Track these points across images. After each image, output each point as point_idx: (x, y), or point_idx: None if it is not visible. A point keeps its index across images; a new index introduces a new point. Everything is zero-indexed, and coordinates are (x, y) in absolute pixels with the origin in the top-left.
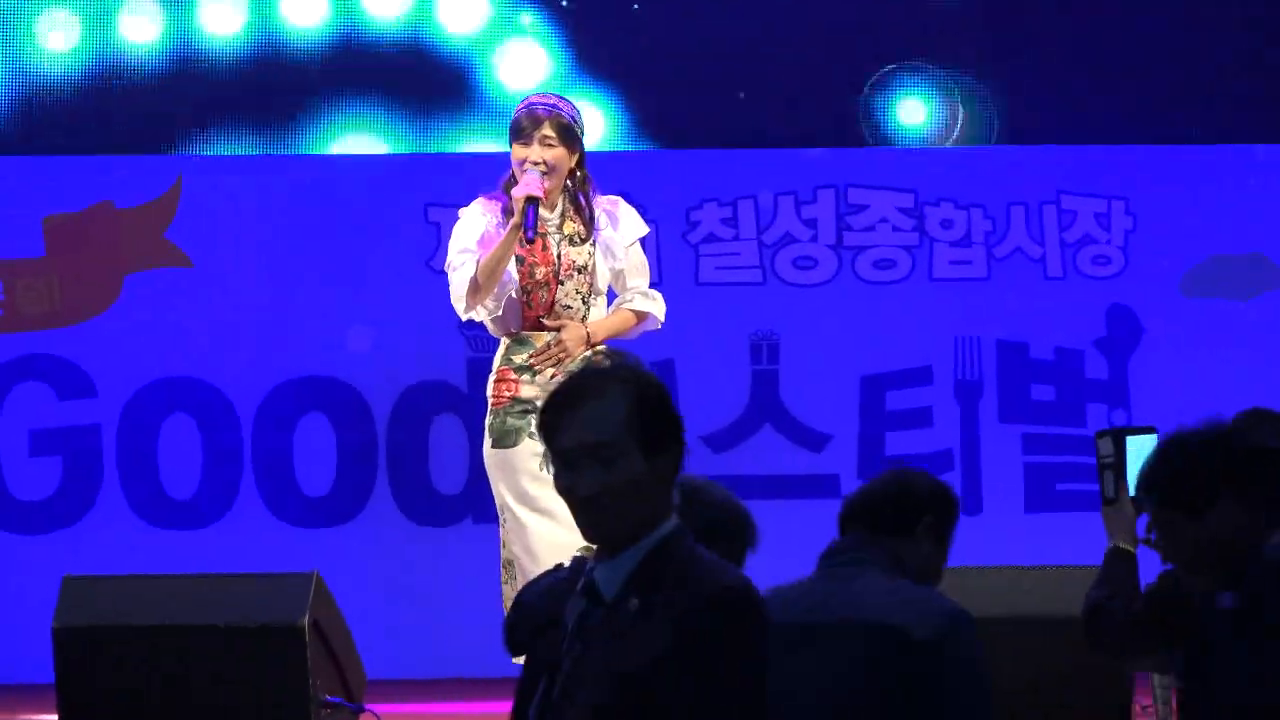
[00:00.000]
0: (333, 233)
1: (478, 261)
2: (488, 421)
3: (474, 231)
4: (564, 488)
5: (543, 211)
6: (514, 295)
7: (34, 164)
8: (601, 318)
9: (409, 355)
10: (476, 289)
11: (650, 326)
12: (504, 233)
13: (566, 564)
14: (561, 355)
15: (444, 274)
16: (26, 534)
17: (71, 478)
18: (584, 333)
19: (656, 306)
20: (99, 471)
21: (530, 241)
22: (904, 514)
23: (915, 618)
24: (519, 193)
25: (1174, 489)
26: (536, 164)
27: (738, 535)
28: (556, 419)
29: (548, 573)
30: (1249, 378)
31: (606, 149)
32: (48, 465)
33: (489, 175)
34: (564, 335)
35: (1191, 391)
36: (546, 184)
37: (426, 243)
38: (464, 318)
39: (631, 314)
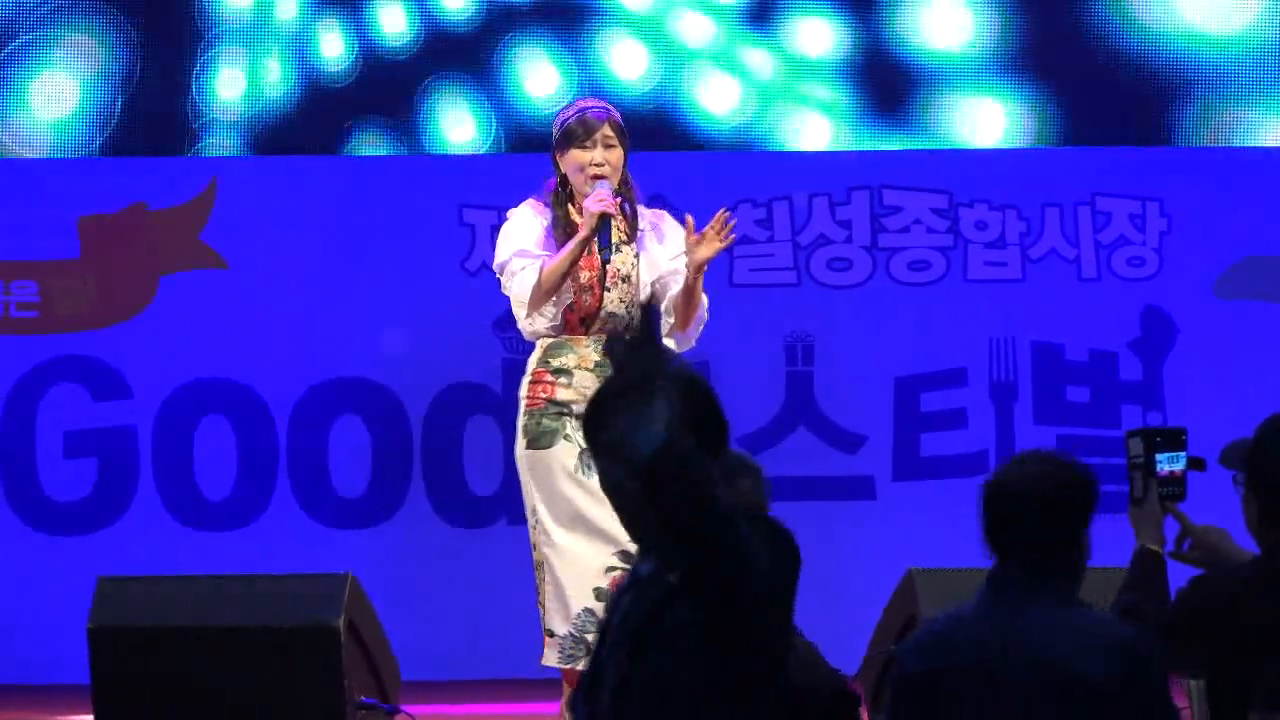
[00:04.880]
0: (367, 234)
1: (540, 268)
2: (521, 422)
3: (530, 235)
4: (612, 484)
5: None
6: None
7: (68, 165)
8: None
9: (444, 356)
10: (540, 296)
11: (703, 317)
12: (555, 237)
13: (596, 564)
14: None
15: (478, 275)
16: (62, 535)
17: (106, 479)
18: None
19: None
20: (134, 473)
21: (607, 261)
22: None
23: (1112, 661)
24: (593, 207)
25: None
26: (600, 165)
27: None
28: (602, 416)
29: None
30: None
31: (643, 150)
32: (83, 466)
33: (523, 177)
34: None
35: (1226, 393)
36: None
37: (461, 244)
38: (525, 323)
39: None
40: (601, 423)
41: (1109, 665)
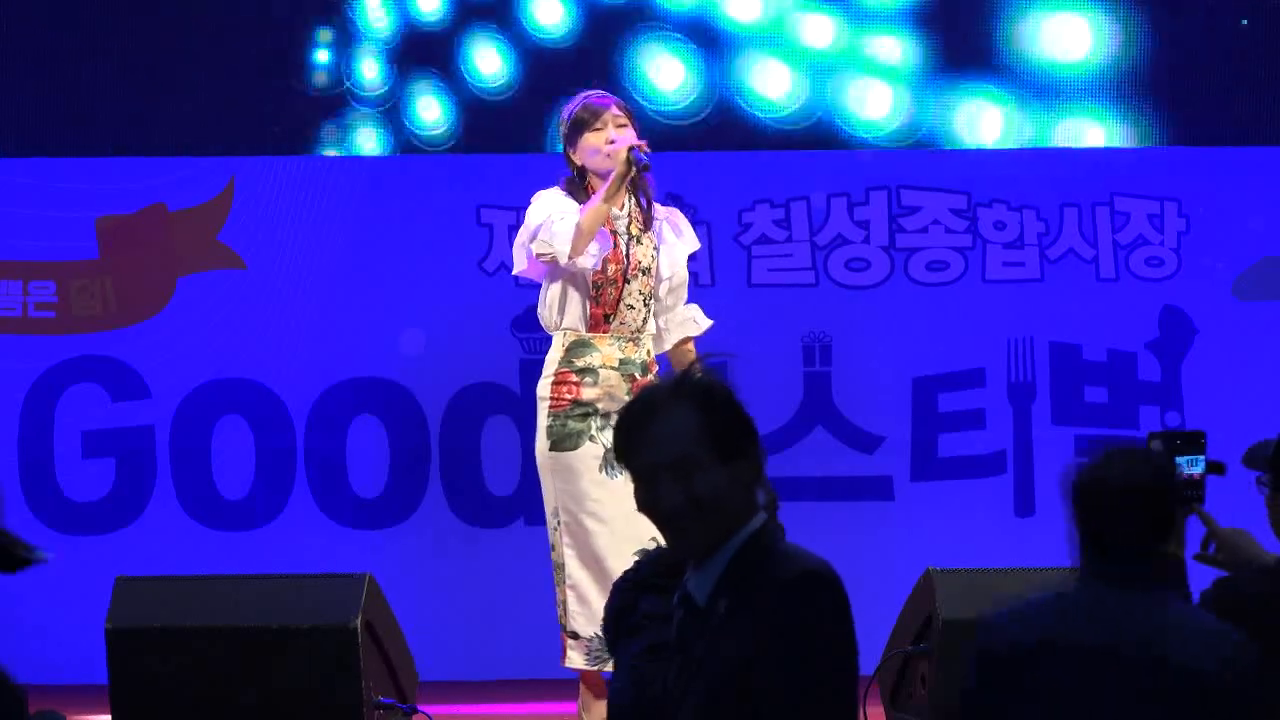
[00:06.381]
0: (385, 234)
1: (579, 211)
2: (545, 423)
3: (563, 201)
4: (645, 504)
5: (612, 210)
6: (583, 290)
7: (86, 166)
8: None
9: (461, 356)
10: (581, 233)
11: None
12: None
13: (620, 564)
14: None
15: (496, 275)
16: (79, 535)
17: (124, 479)
18: None
19: (699, 313)
20: (152, 473)
21: (647, 168)
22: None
23: (1211, 654)
24: (620, 145)
25: None
26: (614, 142)
27: None
28: (629, 438)
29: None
30: None
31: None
32: (101, 466)
33: (541, 176)
34: None
35: (1244, 394)
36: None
37: (479, 244)
38: (565, 261)
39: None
40: (630, 445)
41: (1213, 660)
